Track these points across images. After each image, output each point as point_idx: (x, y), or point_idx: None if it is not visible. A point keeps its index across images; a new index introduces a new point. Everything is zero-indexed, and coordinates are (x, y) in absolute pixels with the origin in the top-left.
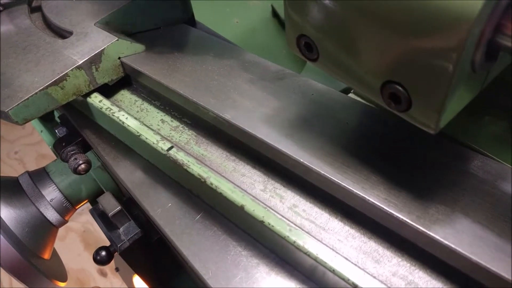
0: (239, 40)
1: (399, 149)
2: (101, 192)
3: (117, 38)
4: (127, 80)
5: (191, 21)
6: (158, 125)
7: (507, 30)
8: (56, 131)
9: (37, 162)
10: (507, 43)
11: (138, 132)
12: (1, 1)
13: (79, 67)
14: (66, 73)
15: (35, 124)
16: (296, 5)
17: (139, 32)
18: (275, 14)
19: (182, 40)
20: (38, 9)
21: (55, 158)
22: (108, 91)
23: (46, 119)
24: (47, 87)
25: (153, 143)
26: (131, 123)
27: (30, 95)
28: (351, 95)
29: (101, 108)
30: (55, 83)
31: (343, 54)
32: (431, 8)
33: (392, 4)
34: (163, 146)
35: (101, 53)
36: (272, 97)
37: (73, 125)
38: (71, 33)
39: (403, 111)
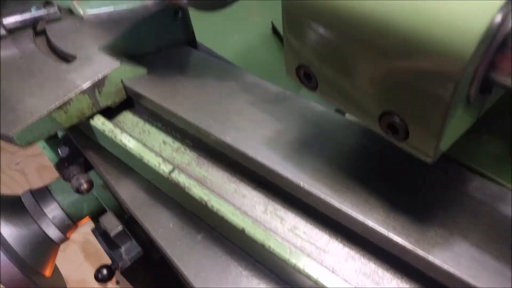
0: (239, 57)
1: (398, 170)
2: (102, 210)
3: (119, 63)
4: (129, 101)
5: (192, 42)
6: (160, 146)
7: (500, 67)
8: (59, 150)
9: (39, 174)
10: (500, 79)
11: (140, 155)
12: (7, 27)
13: (82, 92)
14: (70, 97)
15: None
16: (295, 36)
17: (141, 55)
18: (275, 31)
19: (183, 62)
20: (43, 32)
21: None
22: (110, 112)
23: (49, 137)
24: (51, 111)
25: (155, 166)
26: (134, 146)
27: (34, 120)
28: (348, 115)
29: (103, 131)
30: (59, 107)
31: (341, 85)
32: (426, 45)
33: (390, 38)
34: (164, 168)
35: (104, 78)
36: (273, 119)
37: (75, 145)
38: (75, 58)
39: (401, 141)
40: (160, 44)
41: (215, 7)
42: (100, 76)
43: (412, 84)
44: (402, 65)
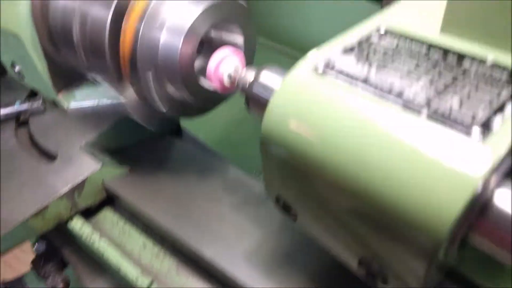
0: (224, 134)
1: None
2: None
3: (101, 164)
4: (110, 198)
5: (177, 130)
6: (140, 251)
7: (479, 232)
8: (34, 247)
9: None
10: (479, 244)
11: (118, 268)
12: None
13: (61, 196)
14: (48, 203)
15: None
16: (271, 171)
17: (125, 148)
18: None
19: (167, 157)
20: (26, 123)
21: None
22: (90, 210)
23: None
24: (27, 219)
25: (133, 280)
26: (112, 256)
27: (9, 229)
28: None
29: (81, 236)
30: (36, 214)
31: (319, 225)
32: (400, 217)
33: (365, 203)
34: (142, 283)
35: (84, 181)
36: (255, 226)
37: (52, 242)
38: (56, 156)
39: (379, 285)
40: (144, 137)
41: (198, 115)
42: (80, 179)
43: (389, 241)
44: (378, 226)
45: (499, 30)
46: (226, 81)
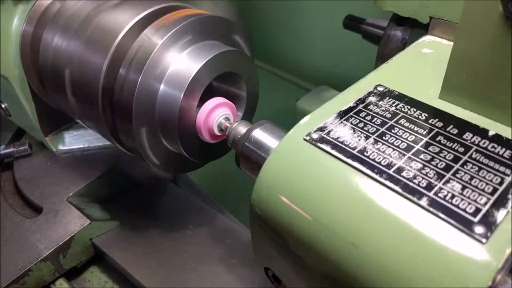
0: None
1: None
2: None
3: (89, 221)
4: (98, 255)
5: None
6: None
7: None
8: None
9: None
10: None
11: None
12: None
13: (44, 259)
14: (30, 268)
15: None
16: (261, 243)
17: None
18: None
19: (161, 207)
20: (10, 166)
21: None
22: (76, 269)
23: None
24: (7, 285)
25: None
26: None
27: None
28: None
29: None
30: (16, 281)
31: None
32: None
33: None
34: None
35: (70, 240)
36: None
37: None
38: (41, 209)
39: None
40: (136, 182)
41: (193, 169)
42: (66, 238)
43: None
44: None
45: (499, 100)
46: (216, 130)
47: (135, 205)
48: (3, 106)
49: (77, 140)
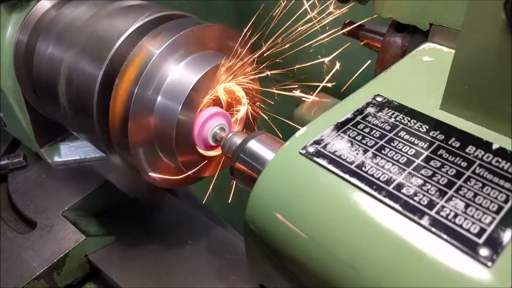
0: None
1: None
2: None
3: (85, 237)
4: (94, 271)
5: None
6: None
7: None
8: None
9: None
10: None
11: None
12: None
13: (37, 277)
14: (22, 287)
15: None
16: (255, 258)
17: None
18: None
19: (159, 220)
20: (4, 178)
21: None
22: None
23: None
24: None
25: None
26: None
27: None
28: None
29: None
30: None
31: None
32: None
33: None
34: None
35: (65, 256)
36: None
37: None
38: (35, 224)
39: None
40: (133, 194)
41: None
42: (60, 255)
43: None
44: None
45: (503, 111)
46: (210, 140)
47: (132, 219)
48: None
49: (73, 151)
